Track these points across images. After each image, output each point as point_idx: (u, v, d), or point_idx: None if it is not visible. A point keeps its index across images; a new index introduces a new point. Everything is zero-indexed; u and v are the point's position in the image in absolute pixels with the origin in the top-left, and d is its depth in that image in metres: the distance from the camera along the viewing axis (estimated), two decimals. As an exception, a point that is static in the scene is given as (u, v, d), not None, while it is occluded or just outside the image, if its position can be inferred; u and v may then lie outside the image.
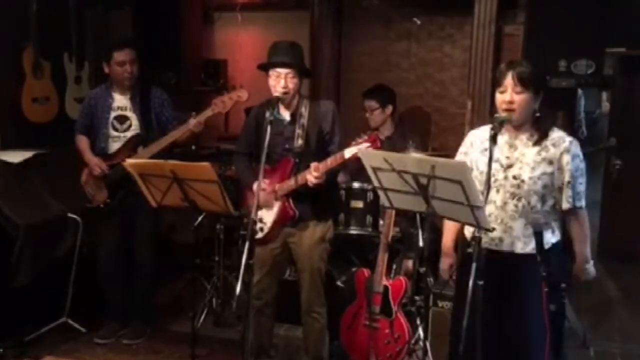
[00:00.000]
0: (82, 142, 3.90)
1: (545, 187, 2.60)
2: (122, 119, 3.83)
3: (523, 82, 2.52)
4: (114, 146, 3.82)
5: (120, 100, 3.86)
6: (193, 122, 3.64)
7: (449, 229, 2.90)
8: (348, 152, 2.95)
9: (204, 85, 5.74)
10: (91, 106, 3.88)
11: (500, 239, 2.62)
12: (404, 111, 4.91)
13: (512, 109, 2.54)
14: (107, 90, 3.87)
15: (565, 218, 2.70)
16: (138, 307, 4.04)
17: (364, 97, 4.32)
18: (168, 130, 3.78)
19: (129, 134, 3.82)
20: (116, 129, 3.83)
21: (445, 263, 2.92)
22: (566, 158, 2.58)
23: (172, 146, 3.76)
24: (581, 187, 2.62)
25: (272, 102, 3.03)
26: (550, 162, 2.58)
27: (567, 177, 2.58)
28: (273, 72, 3.10)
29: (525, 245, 2.61)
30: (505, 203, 2.61)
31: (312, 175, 3.01)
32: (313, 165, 3.03)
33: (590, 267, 2.73)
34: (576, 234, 2.70)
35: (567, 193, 2.59)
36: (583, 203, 2.64)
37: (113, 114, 3.83)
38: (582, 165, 2.63)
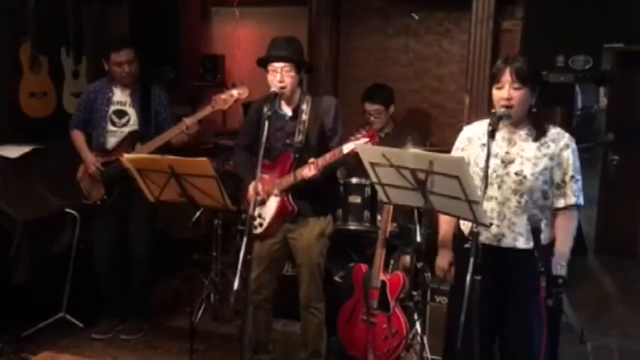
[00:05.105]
0: (79, 138, 3.85)
1: (546, 182, 2.60)
2: (120, 113, 3.80)
3: (521, 78, 2.51)
4: (112, 140, 3.79)
5: (120, 95, 3.82)
6: (188, 121, 3.62)
7: (447, 221, 2.84)
8: (346, 148, 2.96)
9: (201, 80, 5.73)
10: (90, 100, 3.83)
11: (503, 235, 2.62)
12: (402, 107, 4.90)
13: (511, 105, 2.52)
14: (108, 84, 3.84)
15: (556, 213, 2.65)
16: (136, 303, 4.04)
17: (366, 101, 4.16)
18: (163, 130, 3.74)
19: (126, 130, 3.78)
20: (114, 124, 3.79)
21: (444, 260, 2.84)
22: (567, 153, 2.59)
23: (167, 148, 3.66)
24: (580, 184, 2.62)
25: (270, 98, 3.03)
26: (551, 158, 2.59)
27: (570, 172, 2.59)
28: (270, 67, 3.11)
29: (527, 241, 2.59)
30: (507, 199, 2.60)
31: (309, 170, 3.02)
32: (311, 160, 3.04)
33: (565, 264, 2.69)
34: (566, 230, 2.64)
35: (571, 187, 2.59)
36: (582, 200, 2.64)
37: (112, 108, 3.80)
38: (578, 161, 2.63)
